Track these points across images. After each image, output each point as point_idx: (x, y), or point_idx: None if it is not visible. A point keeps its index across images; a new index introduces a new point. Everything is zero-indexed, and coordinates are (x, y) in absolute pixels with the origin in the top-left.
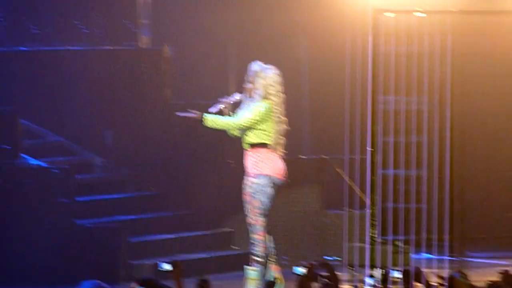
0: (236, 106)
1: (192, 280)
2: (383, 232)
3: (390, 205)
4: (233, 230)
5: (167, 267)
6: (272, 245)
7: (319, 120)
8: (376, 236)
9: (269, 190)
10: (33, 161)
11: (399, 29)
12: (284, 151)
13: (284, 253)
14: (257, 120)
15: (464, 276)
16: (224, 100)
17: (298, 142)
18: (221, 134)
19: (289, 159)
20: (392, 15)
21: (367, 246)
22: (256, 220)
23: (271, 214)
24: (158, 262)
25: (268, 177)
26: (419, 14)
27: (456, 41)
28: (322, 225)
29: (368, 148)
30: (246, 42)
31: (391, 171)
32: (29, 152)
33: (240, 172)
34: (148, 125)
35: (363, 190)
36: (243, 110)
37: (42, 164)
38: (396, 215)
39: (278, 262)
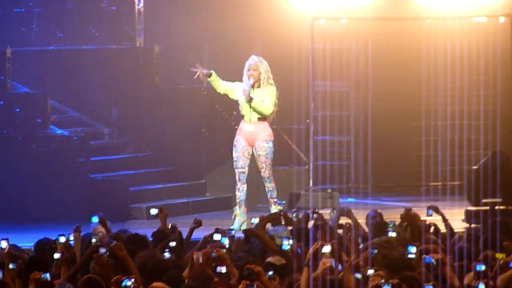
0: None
1: (171, 219)
2: (319, 183)
3: (324, 162)
4: (206, 181)
5: (154, 212)
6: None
7: None
8: (313, 185)
9: (273, 150)
10: (59, 131)
11: (332, 31)
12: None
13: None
14: (274, 101)
15: (379, 214)
16: (247, 87)
17: None
18: (196, 109)
19: None
20: (324, 21)
21: (307, 193)
22: (270, 173)
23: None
24: (150, 209)
25: (272, 141)
26: (345, 20)
27: (374, 40)
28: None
29: (309, 120)
30: (216, 42)
31: (326, 137)
32: (56, 124)
33: (211, 138)
34: (143, 103)
35: (305, 151)
36: (266, 99)
37: (65, 133)
38: (330, 170)
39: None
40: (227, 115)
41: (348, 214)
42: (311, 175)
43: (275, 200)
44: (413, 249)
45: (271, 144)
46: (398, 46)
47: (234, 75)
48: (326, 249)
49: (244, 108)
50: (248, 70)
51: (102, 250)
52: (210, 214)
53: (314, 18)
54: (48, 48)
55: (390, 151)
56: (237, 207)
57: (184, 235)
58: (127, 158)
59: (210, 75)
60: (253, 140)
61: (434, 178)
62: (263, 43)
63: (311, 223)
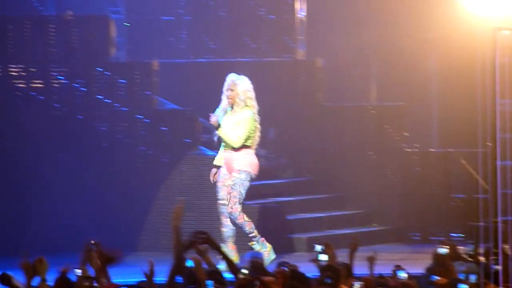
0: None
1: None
2: (502, 214)
3: (508, 191)
4: (372, 210)
5: (319, 248)
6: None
7: (446, 119)
8: (497, 217)
9: (247, 184)
10: (209, 152)
11: None
12: (416, 145)
13: (416, 231)
14: (248, 131)
15: None
16: (215, 113)
17: (428, 138)
18: (363, 130)
19: (421, 152)
20: (510, 33)
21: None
22: (234, 208)
23: (405, 197)
24: (313, 244)
25: (248, 172)
26: None
27: None
28: (447, 208)
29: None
30: (385, 54)
31: (508, 162)
32: (205, 145)
33: (379, 162)
34: (303, 122)
35: (490, 178)
36: (237, 127)
37: (216, 154)
38: None
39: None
40: (398, 136)
41: None
42: (498, 205)
43: (250, 235)
44: None
45: (243, 176)
46: None
47: (405, 91)
48: None
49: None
50: (226, 90)
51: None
52: (376, 247)
53: (497, 29)
54: (199, 60)
55: None
56: (222, 244)
57: None
58: (285, 183)
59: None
60: (231, 168)
61: None
62: (439, 56)
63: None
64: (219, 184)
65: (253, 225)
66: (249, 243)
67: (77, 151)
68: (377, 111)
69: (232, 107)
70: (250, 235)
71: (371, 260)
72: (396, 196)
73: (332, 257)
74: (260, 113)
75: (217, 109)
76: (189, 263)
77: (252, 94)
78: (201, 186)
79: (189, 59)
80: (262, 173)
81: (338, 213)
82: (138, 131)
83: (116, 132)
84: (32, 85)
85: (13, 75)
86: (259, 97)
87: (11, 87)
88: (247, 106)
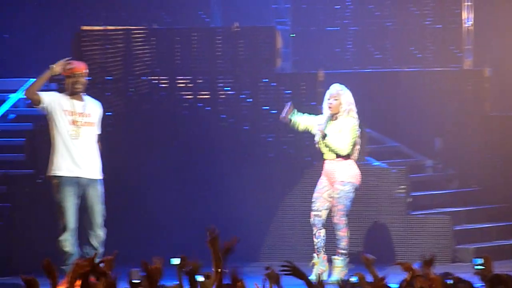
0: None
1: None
2: None
3: None
4: None
5: (479, 261)
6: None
7: None
8: None
9: (352, 195)
10: (375, 163)
11: None
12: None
13: None
14: (352, 138)
15: None
16: (323, 124)
17: None
18: None
19: None
20: None
21: None
22: (340, 220)
23: None
24: (473, 259)
25: (352, 183)
26: None
27: None
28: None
29: None
30: None
31: None
32: (372, 155)
33: None
34: (470, 132)
35: None
36: (341, 134)
37: (382, 165)
38: None
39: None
40: None
41: None
42: None
43: (341, 251)
44: None
45: (347, 187)
46: None
47: None
48: None
49: (321, 146)
50: (328, 99)
51: None
52: None
53: None
54: (364, 70)
55: None
56: (315, 254)
57: None
58: (452, 194)
59: (290, 121)
60: (332, 180)
61: None
62: None
63: None
64: (316, 195)
65: (348, 244)
66: (333, 257)
67: (243, 162)
68: None
69: (333, 117)
70: (341, 251)
71: None
72: None
73: (489, 270)
74: (425, 123)
75: (320, 119)
76: (354, 278)
77: (354, 106)
78: (366, 196)
79: (354, 69)
80: (429, 183)
81: (506, 223)
82: (303, 142)
83: (282, 142)
84: (199, 96)
85: (180, 86)
86: (424, 106)
87: (178, 98)
88: (350, 116)
